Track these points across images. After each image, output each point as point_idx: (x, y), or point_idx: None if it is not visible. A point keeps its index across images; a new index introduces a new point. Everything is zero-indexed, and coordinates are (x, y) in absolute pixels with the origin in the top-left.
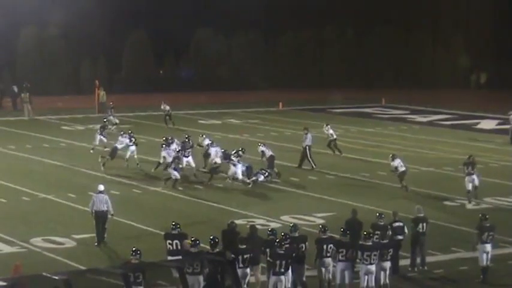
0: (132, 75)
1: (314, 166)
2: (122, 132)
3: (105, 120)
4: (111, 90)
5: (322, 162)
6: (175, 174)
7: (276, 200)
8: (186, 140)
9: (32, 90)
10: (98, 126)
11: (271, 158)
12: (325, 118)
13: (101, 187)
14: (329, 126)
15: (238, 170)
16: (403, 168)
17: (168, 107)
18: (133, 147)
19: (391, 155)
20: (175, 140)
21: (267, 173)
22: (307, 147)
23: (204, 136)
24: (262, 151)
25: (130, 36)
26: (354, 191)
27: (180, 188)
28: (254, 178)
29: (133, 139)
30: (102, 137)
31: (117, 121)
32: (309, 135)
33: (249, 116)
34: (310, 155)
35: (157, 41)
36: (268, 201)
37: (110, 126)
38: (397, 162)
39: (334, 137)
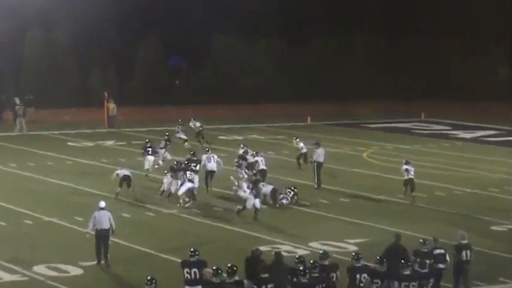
0: (144, 86)
1: (316, 186)
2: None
3: (167, 134)
4: (122, 101)
5: (355, 182)
6: (190, 185)
7: (304, 224)
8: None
9: (35, 102)
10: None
11: (263, 171)
12: (358, 134)
13: (102, 203)
14: (298, 139)
15: (256, 201)
16: (411, 176)
17: (198, 123)
18: (151, 157)
19: (405, 161)
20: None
21: (292, 192)
22: (315, 163)
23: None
24: (257, 161)
25: (143, 42)
26: (389, 214)
27: (197, 210)
28: (280, 202)
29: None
30: (165, 152)
31: (185, 137)
32: (320, 150)
33: (274, 131)
34: (319, 172)
35: (173, 48)
36: (296, 225)
37: (185, 143)
38: (405, 168)
39: (305, 150)
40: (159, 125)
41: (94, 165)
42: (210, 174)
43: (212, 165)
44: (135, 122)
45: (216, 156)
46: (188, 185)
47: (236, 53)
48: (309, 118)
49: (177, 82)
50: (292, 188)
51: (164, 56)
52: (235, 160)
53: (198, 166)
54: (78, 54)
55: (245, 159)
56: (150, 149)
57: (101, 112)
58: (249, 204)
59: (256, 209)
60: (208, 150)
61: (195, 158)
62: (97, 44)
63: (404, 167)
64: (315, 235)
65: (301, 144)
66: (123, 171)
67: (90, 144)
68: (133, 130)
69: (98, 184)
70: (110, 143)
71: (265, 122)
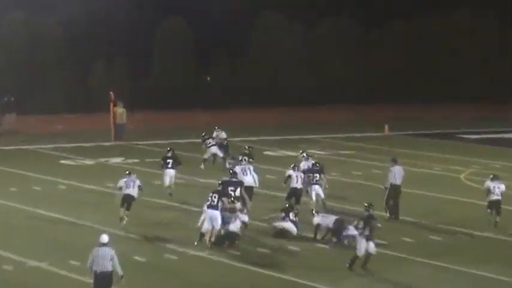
0: (164, 84)
1: (389, 216)
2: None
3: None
4: (134, 105)
5: (450, 214)
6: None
7: (380, 271)
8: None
9: (16, 106)
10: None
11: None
12: (454, 148)
13: (105, 238)
14: (304, 154)
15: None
16: (497, 197)
17: (224, 134)
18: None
19: (491, 175)
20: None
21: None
22: (389, 186)
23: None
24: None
25: (161, 27)
26: (500, 257)
27: (235, 252)
28: (347, 238)
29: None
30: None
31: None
32: (397, 170)
33: (339, 145)
34: (396, 198)
35: (203, 33)
36: (370, 272)
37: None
38: (493, 185)
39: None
40: (184, 135)
41: (96, 190)
42: (246, 191)
43: (249, 180)
44: (151, 132)
45: (252, 168)
46: (232, 227)
47: (286, 40)
48: (386, 127)
49: (208, 79)
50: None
51: (192, 45)
52: (300, 173)
53: (238, 190)
54: (75, 44)
55: (317, 171)
56: (170, 161)
57: (106, 119)
58: (359, 251)
59: (369, 254)
60: (241, 160)
61: (235, 179)
62: (100, 32)
63: (490, 184)
64: (395, 285)
65: (307, 162)
66: (128, 186)
67: (91, 162)
68: (148, 143)
69: (101, 217)
70: (117, 160)
71: (326, 131)
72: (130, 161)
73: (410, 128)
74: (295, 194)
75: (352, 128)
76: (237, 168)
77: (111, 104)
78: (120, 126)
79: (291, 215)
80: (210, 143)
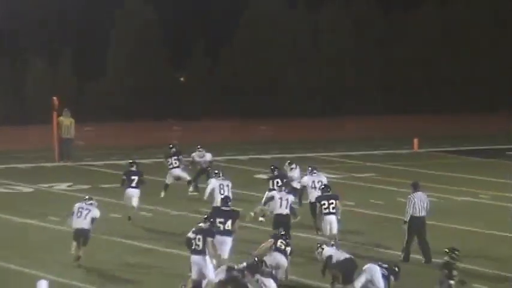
0: (124, 87)
1: (403, 257)
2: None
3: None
4: (84, 114)
5: (501, 256)
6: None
7: None
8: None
9: None
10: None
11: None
12: (504, 168)
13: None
14: (293, 165)
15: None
16: None
17: (209, 157)
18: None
19: None
20: None
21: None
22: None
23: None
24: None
25: (122, 9)
26: None
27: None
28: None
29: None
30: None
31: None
32: (418, 198)
33: (354, 166)
34: (420, 236)
35: (175, 22)
36: None
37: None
38: None
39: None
40: (150, 154)
41: (36, 226)
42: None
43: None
44: (106, 149)
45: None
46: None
47: (282, 26)
48: (415, 142)
49: (182, 79)
50: (394, 268)
51: (162, 35)
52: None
53: (229, 223)
54: (5, 37)
55: (333, 197)
56: (135, 178)
57: (47, 133)
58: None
59: None
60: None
61: (227, 208)
62: (41, 21)
63: None
64: None
65: (296, 173)
66: (79, 216)
67: (28, 189)
68: (103, 164)
69: (44, 261)
70: (62, 186)
71: (336, 148)
72: (79, 187)
73: (447, 144)
74: (281, 223)
75: (371, 143)
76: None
77: (55, 114)
78: (67, 142)
79: (279, 243)
80: (173, 163)
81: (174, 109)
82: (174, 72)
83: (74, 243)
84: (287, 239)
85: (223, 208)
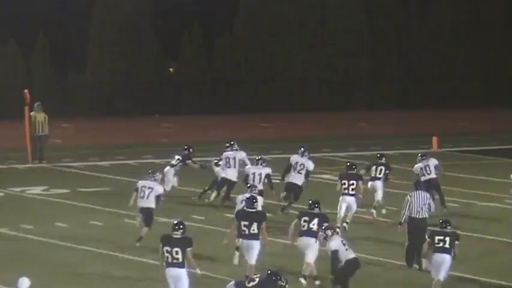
0: (107, 79)
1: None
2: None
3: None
4: (61, 109)
5: None
6: None
7: None
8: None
9: None
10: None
11: None
12: None
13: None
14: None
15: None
16: None
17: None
18: None
19: None
20: None
21: None
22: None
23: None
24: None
25: None
26: None
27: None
28: None
29: None
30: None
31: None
32: (416, 197)
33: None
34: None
35: (164, 8)
36: None
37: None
38: None
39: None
40: (136, 153)
41: (6, 235)
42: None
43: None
44: (86, 148)
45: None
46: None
47: (284, 7)
48: (434, 140)
49: (171, 70)
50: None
51: (150, 21)
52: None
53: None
54: None
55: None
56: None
57: (18, 130)
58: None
59: None
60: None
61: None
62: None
63: None
64: None
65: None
66: (142, 195)
67: None
68: (84, 165)
69: (17, 274)
70: (36, 191)
71: (342, 147)
72: (56, 191)
73: (469, 143)
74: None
75: (379, 141)
76: None
77: (26, 109)
78: (41, 139)
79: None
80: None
81: (163, 103)
82: (164, 64)
83: (139, 219)
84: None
85: (248, 210)
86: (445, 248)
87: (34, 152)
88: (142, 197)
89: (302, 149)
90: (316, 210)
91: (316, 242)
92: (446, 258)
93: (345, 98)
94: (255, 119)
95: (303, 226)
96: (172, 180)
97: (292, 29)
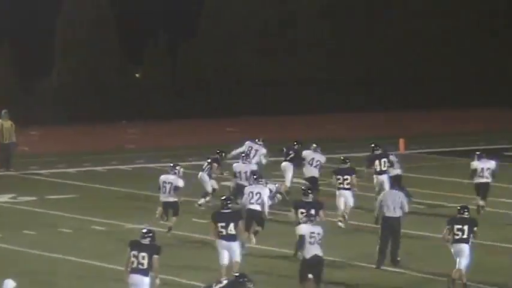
0: (73, 85)
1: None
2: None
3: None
4: (27, 117)
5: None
6: None
7: None
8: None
9: None
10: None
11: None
12: (506, 171)
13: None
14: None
15: None
16: (485, 180)
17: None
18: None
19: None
20: None
21: None
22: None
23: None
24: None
25: (71, 2)
26: None
27: None
28: None
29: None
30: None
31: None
32: (390, 195)
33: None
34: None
35: (130, 13)
36: None
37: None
38: (480, 165)
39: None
40: (103, 160)
41: None
42: None
43: None
44: (55, 156)
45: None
46: None
47: (248, 12)
48: (400, 142)
49: (138, 75)
50: None
51: (116, 26)
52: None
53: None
54: None
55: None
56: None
57: None
58: None
59: None
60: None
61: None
62: None
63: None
64: None
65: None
66: (164, 191)
67: None
68: (52, 172)
69: None
70: (3, 199)
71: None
72: (23, 198)
73: (438, 144)
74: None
75: (348, 144)
76: None
77: None
78: (8, 147)
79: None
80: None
81: (129, 109)
82: (129, 69)
83: (160, 209)
84: None
85: (222, 211)
86: (463, 238)
87: (1, 159)
88: (164, 192)
89: (314, 145)
90: (310, 198)
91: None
92: (465, 247)
93: (311, 101)
94: (221, 123)
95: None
96: (209, 182)
97: (255, 33)
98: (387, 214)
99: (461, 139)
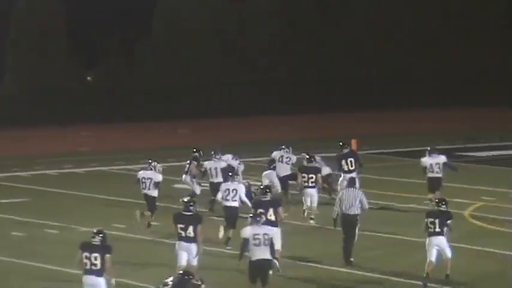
0: (23, 90)
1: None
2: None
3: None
4: None
5: (458, 269)
6: None
7: None
8: None
9: None
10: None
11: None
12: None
13: None
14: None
15: None
16: (436, 174)
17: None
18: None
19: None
20: None
21: None
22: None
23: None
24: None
25: (21, 5)
26: None
27: None
28: None
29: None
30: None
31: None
32: (347, 194)
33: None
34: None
35: (81, 11)
36: None
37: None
38: (429, 161)
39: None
40: (57, 164)
41: None
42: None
43: None
44: (8, 159)
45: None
46: None
47: (202, 14)
48: (353, 143)
49: (89, 78)
50: None
51: (70, 27)
52: None
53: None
54: None
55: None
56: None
57: None
58: None
59: None
60: None
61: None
62: None
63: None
64: None
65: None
66: (144, 186)
67: None
68: (4, 176)
69: None
70: None
71: (262, 152)
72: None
73: (390, 144)
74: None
75: (304, 145)
76: None
77: None
78: None
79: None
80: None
81: (82, 114)
82: (82, 73)
83: (138, 212)
84: None
85: (183, 213)
86: (436, 231)
87: None
88: (144, 188)
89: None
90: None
91: (278, 229)
92: (440, 239)
93: (267, 102)
94: (174, 125)
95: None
96: (194, 183)
97: (211, 35)
98: (345, 211)
99: (413, 139)
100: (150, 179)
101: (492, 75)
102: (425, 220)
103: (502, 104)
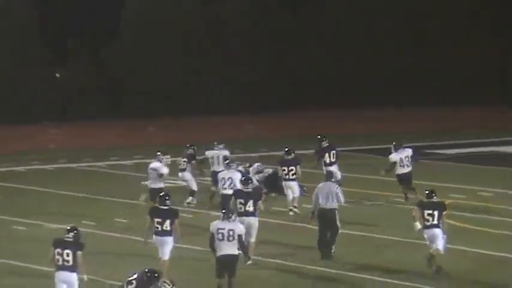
0: None
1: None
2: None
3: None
4: None
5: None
6: None
7: None
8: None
9: None
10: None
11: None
12: (425, 169)
13: None
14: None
15: None
16: (405, 170)
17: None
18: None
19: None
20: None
21: None
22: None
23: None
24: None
25: None
26: None
27: None
28: None
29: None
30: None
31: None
32: (322, 187)
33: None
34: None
35: (53, 9)
36: None
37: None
38: (398, 156)
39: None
40: (27, 161)
41: None
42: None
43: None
44: None
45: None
46: None
47: (170, 15)
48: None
49: (58, 75)
50: None
51: (40, 25)
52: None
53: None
54: None
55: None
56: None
57: None
58: None
59: None
60: None
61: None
62: None
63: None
64: None
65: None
66: (152, 178)
67: None
68: None
69: None
70: None
71: (230, 148)
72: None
73: (359, 142)
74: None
75: (271, 143)
76: None
77: None
78: None
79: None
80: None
81: (51, 110)
82: (51, 70)
83: (143, 196)
84: None
85: (160, 207)
86: (434, 224)
87: None
88: (152, 180)
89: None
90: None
91: (256, 219)
92: (437, 231)
93: (233, 102)
94: (144, 124)
95: (240, 208)
96: (193, 180)
97: (178, 36)
98: (323, 206)
99: (383, 139)
100: (156, 170)
101: (492, 75)
102: (420, 212)
103: (502, 104)
